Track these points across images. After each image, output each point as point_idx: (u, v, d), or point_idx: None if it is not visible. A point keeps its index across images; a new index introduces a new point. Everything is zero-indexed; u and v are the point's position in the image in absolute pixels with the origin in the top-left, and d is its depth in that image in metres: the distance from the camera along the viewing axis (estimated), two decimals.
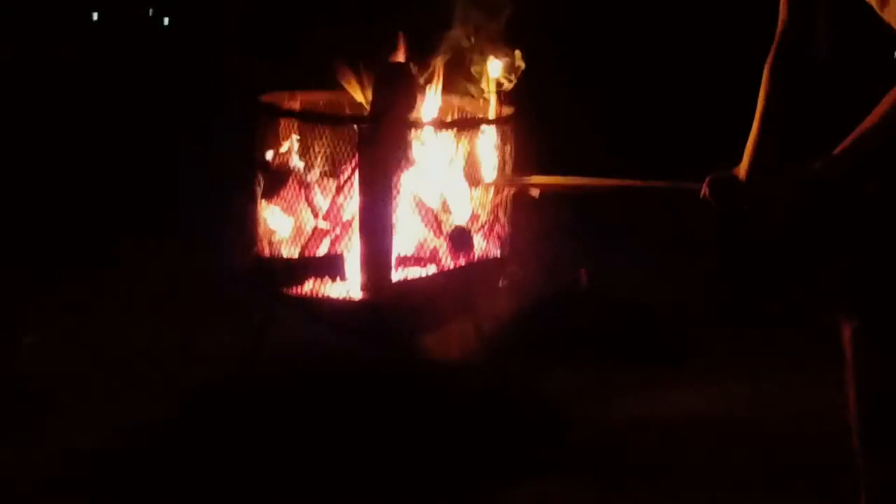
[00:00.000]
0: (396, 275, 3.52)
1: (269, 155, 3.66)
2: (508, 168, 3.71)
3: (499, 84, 3.68)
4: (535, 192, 3.60)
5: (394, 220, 3.47)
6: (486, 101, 3.71)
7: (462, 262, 3.63)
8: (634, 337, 4.32)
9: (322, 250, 3.59)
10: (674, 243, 4.97)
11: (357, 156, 3.45)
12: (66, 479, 3.26)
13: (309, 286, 3.56)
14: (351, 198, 3.54)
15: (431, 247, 3.61)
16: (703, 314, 4.54)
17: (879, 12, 2.73)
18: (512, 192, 3.72)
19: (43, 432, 3.49)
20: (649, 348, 4.29)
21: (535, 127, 3.83)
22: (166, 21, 11.58)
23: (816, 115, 3.37)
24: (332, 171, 3.59)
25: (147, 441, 3.49)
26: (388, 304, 3.48)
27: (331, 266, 3.52)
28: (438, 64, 3.70)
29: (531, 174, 3.69)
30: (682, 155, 4.37)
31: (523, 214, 3.81)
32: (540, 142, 3.86)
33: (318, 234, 3.62)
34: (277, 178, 3.63)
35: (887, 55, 3.09)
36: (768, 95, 2.87)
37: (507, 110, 3.71)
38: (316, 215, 3.63)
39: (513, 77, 3.67)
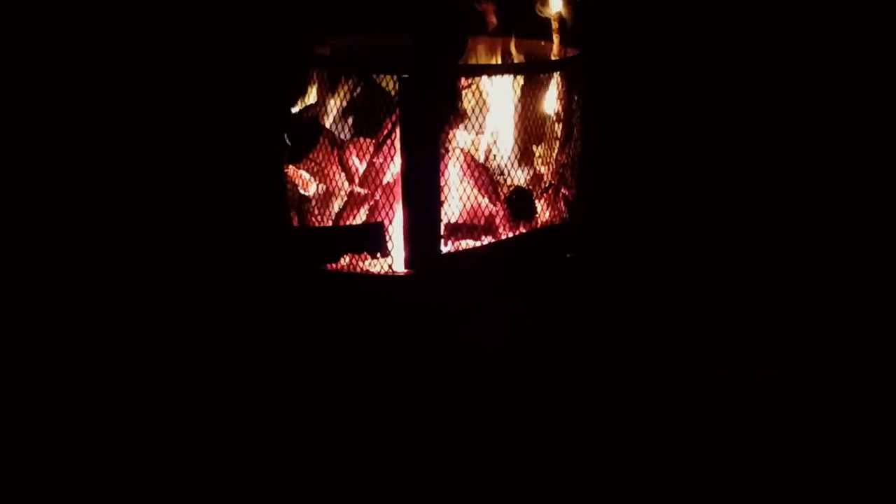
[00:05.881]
0: (446, 246, 3.39)
1: (295, 110, 3.50)
2: (575, 120, 3.54)
3: (562, 20, 3.51)
4: None
5: (442, 183, 3.32)
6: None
7: (522, 230, 3.49)
8: None
9: (360, 219, 3.46)
10: None
11: (398, 109, 3.30)
12: None
13: (345, 260, 3.41)
14: (392, 158, 3.40)
15: (486, 213, 3.45)
16: None
17: None
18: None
19: None
20: None
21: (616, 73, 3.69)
22: None
23: None
24: (370, 127, 3.47)
25: None
26: (436, 279, 3.35)
27: (370, 237, 3.39)
28: None
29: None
30: None
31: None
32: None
33: (354, 200, 3.47)
34: (306, 138, 3.48)
35: None
36: None
37: (572, 52, 3.55)
38: (351, 179, 3.48)
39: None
